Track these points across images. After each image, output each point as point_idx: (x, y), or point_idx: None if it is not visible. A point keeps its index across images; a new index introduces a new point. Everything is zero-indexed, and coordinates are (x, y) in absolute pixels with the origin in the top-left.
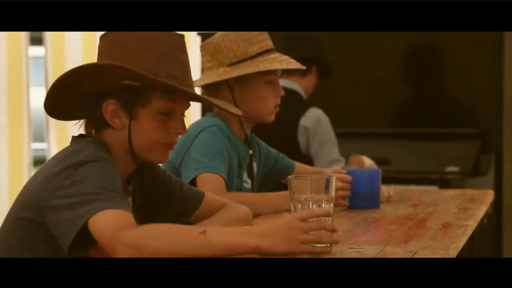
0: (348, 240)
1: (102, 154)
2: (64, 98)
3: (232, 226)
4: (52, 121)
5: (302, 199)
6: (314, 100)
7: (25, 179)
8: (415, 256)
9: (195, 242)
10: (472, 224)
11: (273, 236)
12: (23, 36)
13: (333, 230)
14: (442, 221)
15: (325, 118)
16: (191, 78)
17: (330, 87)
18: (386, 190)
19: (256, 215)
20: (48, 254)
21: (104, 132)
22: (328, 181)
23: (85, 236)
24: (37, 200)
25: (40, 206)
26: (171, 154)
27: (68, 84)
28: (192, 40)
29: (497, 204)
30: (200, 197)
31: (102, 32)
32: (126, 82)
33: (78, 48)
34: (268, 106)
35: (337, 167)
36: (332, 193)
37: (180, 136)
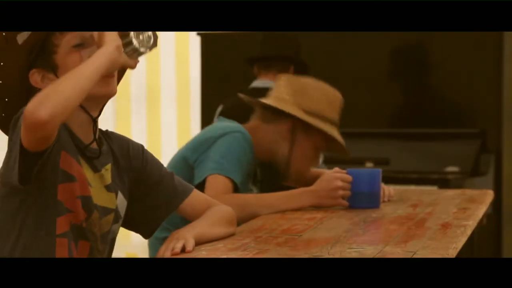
0: (348, 240)
1: None
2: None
3: (218, 227)
4: None
5: None
6: None
7: None
8: (415, 256)
9: (80, 66)
10: (471, 224)
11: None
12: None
13: None
14: (442, 221)
15: None
16: None
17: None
18: (387, 189)
19: (256, 216)
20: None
21: None
22: None
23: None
24: None
25: None
26: (187, 151)
27: None
28: (192, 40)
29: (496, 204)
30: (187, 190)
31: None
32: (20, 39)
33: None
34: (302, 165)
35: (337, 168)
36: None
37: (198, 135)
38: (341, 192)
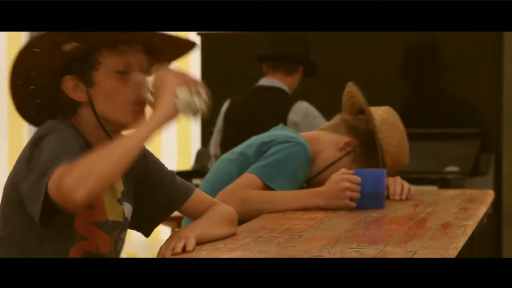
0: (348, 240)
1: (60, 126)
2: (25, 93)
3: (219, 227)
4: None
5: None
6: (314, 100)
7: None
8: (415, 256)
9: (120, 142)
10: (472, 224)
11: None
12: (23, 36)
13: None
14: (442, 221)
15: (312, 110)
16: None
17: (330, 87)
18: (407, 186)
19: (262, 213)
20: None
21: (76, 117)
22: None
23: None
24: (13, 182)
25: (16, 187)
26: (245, 148)
27: (18, 77)
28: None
29: (497, 204)
30: (190, 190)
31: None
32: (66, 47)
33: None
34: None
35: (344, 168)
36: None
37: (261, 137)
38: (348, 193)
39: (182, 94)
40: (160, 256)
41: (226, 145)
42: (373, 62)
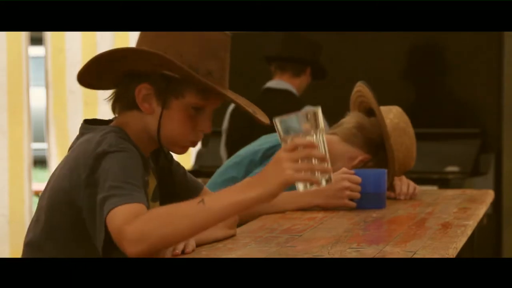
0: (348, 240)
1: (124, 144)
2: (101, 70)
3: (219, 230)
4: (52, 121)
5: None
6: (314, 100)
7: (25, 179)
8: (415, 256)
9: (196, 211)
10: (471, 224)
11: (267, 177)
12: (23, 36)
13: (322, 158)
14: (442, 221)
15: (321, 115)
16: (227, 77)
17: (330, 87)
18: (412, 186)
19: (260, 215)
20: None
21: (129, 113)
22: (314, 114)
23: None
24: (69, 193)
25: (73, 199)
26: (252, 155)
27: (110, 60)
28: None
29: (497, 204)
30: (200, 187)
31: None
32: (165, 72)
33: (78, 48)
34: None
35: (344, 168)
36: (321, 124)
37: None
38: (348, 193)
39: (301, 186)
40: (160, 257)
41: (231, 146)
42: (373, 62)
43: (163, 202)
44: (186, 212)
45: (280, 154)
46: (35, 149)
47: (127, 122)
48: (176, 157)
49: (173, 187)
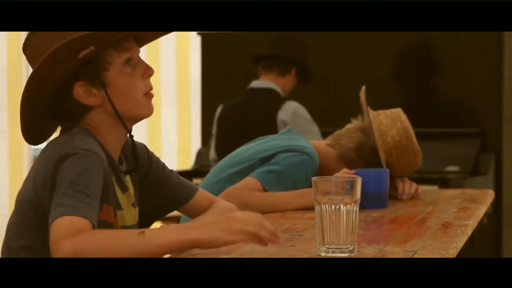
0: None
1: (87, 146)
2: (37, 114)
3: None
4: None
5: (326, 199)
6: (314, 100)
7: None
8: (415, 256)
9: (134, 242)
10: (472, 224)
11: (212, 227)
12: (23, 36)
13: (272, 232)
14: (442, 220)
15: (301, 110)
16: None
17: (330, 87)
18: (414, 186)
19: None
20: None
21: (86, 119)
22: (352, 183)
23: None
24: (36, 194)
25: (40, 200)
26: (260, 146)
27: (31, 96)
28: (192, 40)
29: (497, 204)
30: (193, 189)
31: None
32: (82, 54)
33: None
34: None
35: (345, 168)
36: (357, 195)
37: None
38: None
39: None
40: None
41: (220, 150)
42: (373, 62)
43: (143, 205)
44: (124, 241)
45: (237, 215)
46: (35, 149)
47: (90, 125)
48: (176, 157)
49: (159, 190)
